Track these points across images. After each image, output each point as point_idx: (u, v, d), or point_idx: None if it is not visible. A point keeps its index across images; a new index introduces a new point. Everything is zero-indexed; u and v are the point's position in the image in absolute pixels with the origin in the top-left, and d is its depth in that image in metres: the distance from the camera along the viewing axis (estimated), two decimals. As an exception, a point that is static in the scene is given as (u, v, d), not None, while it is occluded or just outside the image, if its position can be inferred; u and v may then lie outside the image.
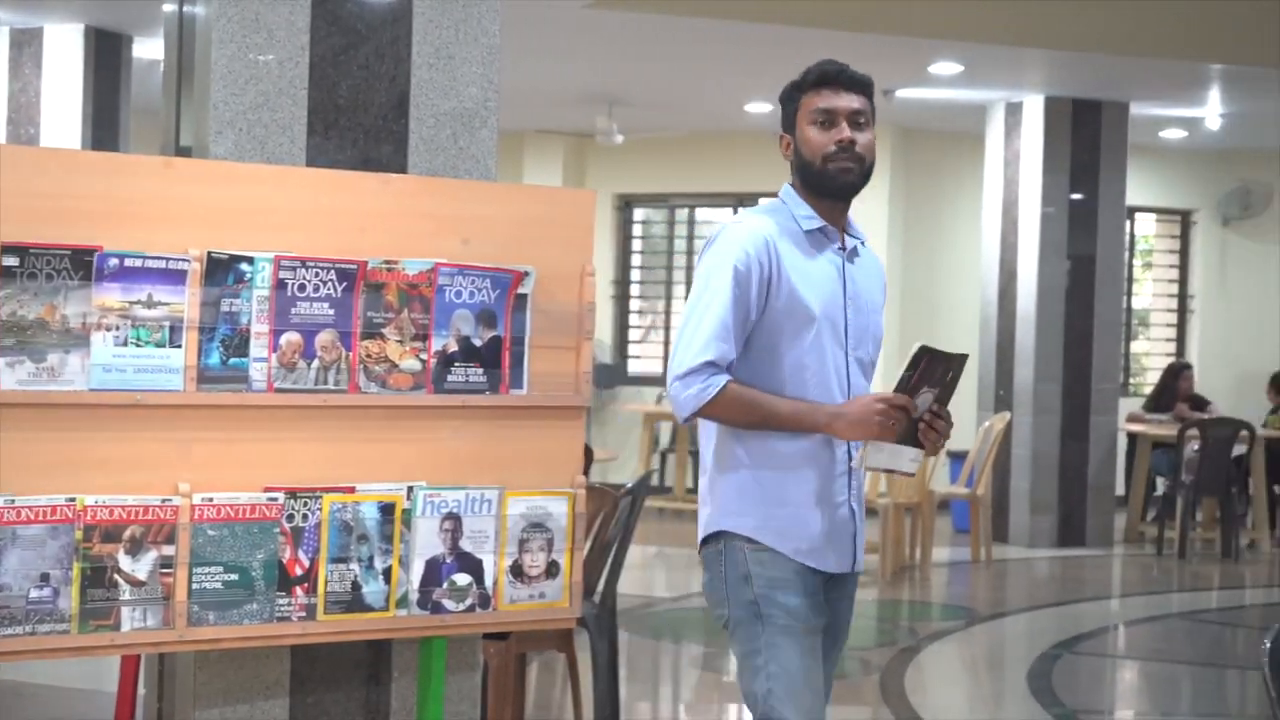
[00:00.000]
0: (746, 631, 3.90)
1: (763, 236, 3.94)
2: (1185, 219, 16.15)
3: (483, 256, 4.29)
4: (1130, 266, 15.86)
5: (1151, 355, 16.27)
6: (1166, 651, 9.53)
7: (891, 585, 10.91)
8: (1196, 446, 12.31)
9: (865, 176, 4.08)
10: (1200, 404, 13.69)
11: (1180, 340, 16.21)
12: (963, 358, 3.92)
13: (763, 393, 3.89)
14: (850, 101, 4.04)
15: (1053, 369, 12.71)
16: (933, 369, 3.87)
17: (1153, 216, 16.25)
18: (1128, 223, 15.05)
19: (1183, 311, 16.23)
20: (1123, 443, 13.58)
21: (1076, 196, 12.75)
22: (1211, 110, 13.44)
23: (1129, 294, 15.73)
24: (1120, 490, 13.46)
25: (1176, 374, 13.91)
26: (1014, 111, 12.85)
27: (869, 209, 14.47)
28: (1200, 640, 9.89)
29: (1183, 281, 16.24)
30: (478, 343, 4.27)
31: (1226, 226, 16.02)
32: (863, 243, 4.16)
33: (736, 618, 3.91)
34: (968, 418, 13.19)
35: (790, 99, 4.09)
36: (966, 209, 14.45)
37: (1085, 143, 12.75)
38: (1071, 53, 11.03)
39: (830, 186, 4.02)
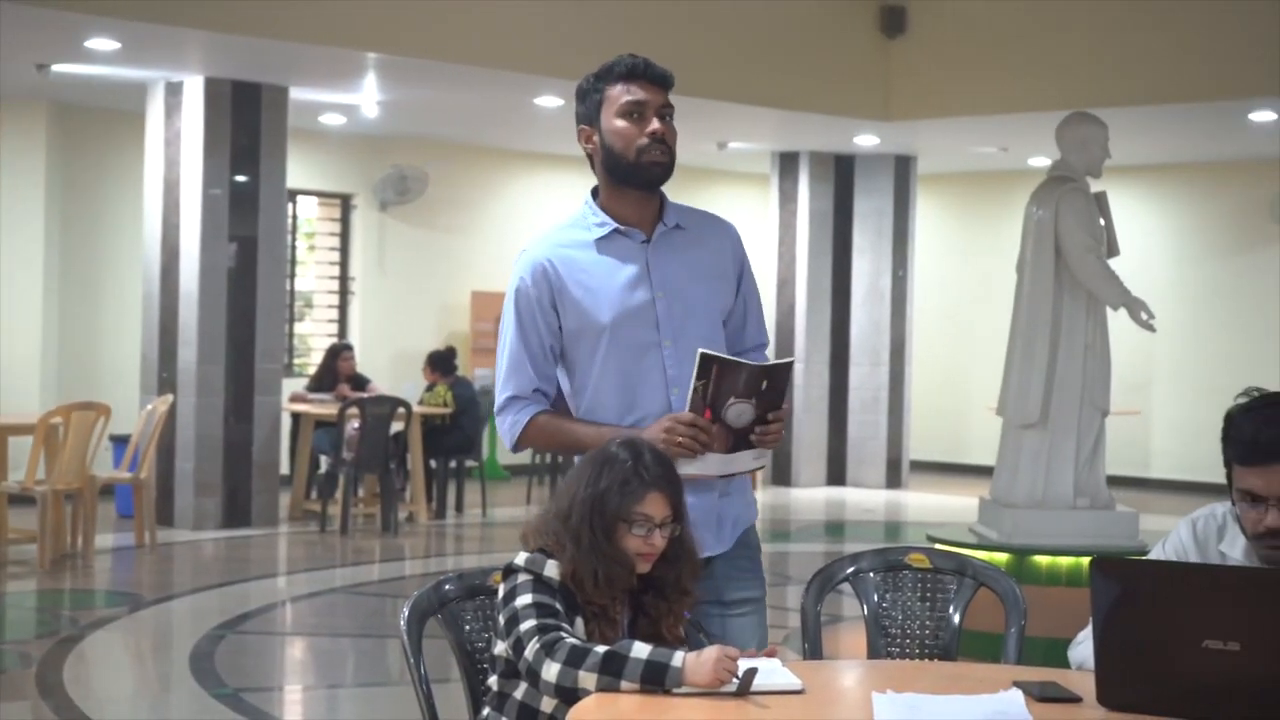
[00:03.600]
0: None
1: (540, 263, 4.03)
2: (345, 202, 16.55)
3: None
4: (294, 248, 16.10)
5: (315, 336, 16.57)
6: (329, 625, 9.77)
7: (51, 575, 10.61)
8: (357, 425, 12.67)
9: (671, 167, 4.08)
10: (361, 383, 14.09)
11: (342, 321, 16.59)
12: (785, 366, 3.93)
13: (568, 420, 4.04)
14: (658, 95, 4.05)
15: (217, 350, 12.69)
16: (733, 379, 3.83)
17: (315, 199, 16.55)
18: (290, 205, 15.27)
19: (344, 293, 16.62)
20: (287, 422, 13.79)
21: (239, 178, 12.79)
22: (368, 97, 13.83)
23: (293, 275, 15.98)
24: (285, 469, 13.66)
25: (337, 354, 14.24)
26: (175, 91, 12.73)
27: (21, 187, 14.00)
28: (361, 612, 10.19)
29: (344, 264, 16.63)
30: None
31: (384, 210, 16.54)
32: (677, 225, 4.14)
33: None
34: (130, 400, 13.03)
35: (593, 90, 4.08)
36: (129, 188, 14.21)
37: (246, 125, 12.80)
38: (230, 35, 11.06)
39: (643, 178, 4.04)
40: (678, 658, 3.38)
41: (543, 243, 4.09)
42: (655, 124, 4.02)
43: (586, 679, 3.40)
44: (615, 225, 4.08)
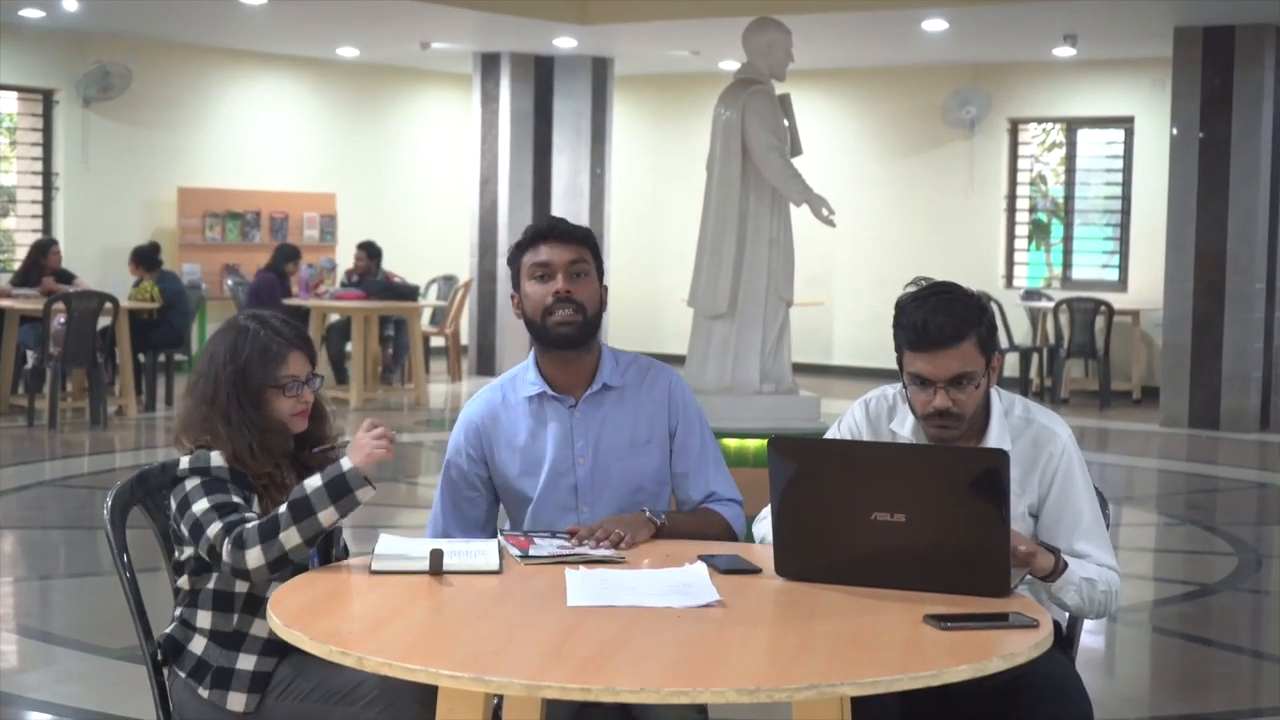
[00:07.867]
0: None
1: (475, 425, 4.13)
2: (48, 98, 16.27)
3: None
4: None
5: (20, 232, 16.33)
6: (39, 518, 9.79)
7: None
8: (63, 319, 12.62)
9: (589, 325, 4.05)
10: (67, 278, 14.03)
11: (47, 217, 16.36)
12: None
13: None
14: (566, 252, 4.01)
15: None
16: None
17: (15, 95, 16.27)
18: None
19: (48, 189, 16.39)
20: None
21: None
22: (70, -8, 13.68)
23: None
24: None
25: (44, 250, 14.15)
26: None
27: None
28: (71, 504, 10.20)
29: (47, 159, 16.37)
30: None
31: (88, 106, 16.30)
32: (606, 385, 4.09)
33: None
34: None
35: (514, 259, 4.09)
36: None
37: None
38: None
39: (553, 339, 4.03)
40: (344, 464, 3.57)
41: (481, 400, 4.18)
42: (559, 283, 4.01)
43: (288, 538, 3.52)
44: (544, 389, 4.09)
